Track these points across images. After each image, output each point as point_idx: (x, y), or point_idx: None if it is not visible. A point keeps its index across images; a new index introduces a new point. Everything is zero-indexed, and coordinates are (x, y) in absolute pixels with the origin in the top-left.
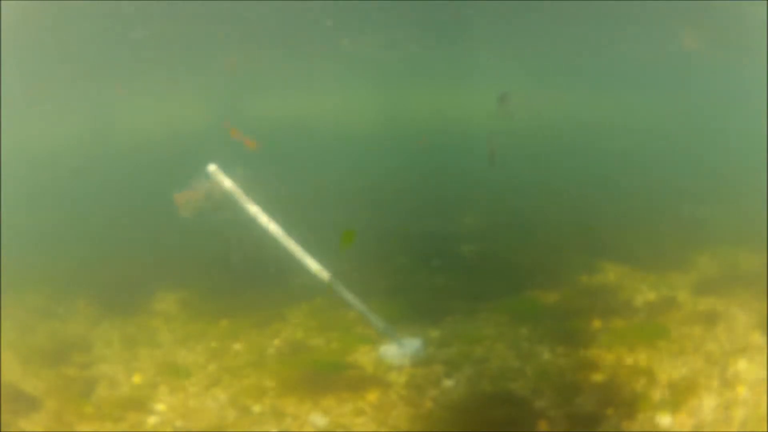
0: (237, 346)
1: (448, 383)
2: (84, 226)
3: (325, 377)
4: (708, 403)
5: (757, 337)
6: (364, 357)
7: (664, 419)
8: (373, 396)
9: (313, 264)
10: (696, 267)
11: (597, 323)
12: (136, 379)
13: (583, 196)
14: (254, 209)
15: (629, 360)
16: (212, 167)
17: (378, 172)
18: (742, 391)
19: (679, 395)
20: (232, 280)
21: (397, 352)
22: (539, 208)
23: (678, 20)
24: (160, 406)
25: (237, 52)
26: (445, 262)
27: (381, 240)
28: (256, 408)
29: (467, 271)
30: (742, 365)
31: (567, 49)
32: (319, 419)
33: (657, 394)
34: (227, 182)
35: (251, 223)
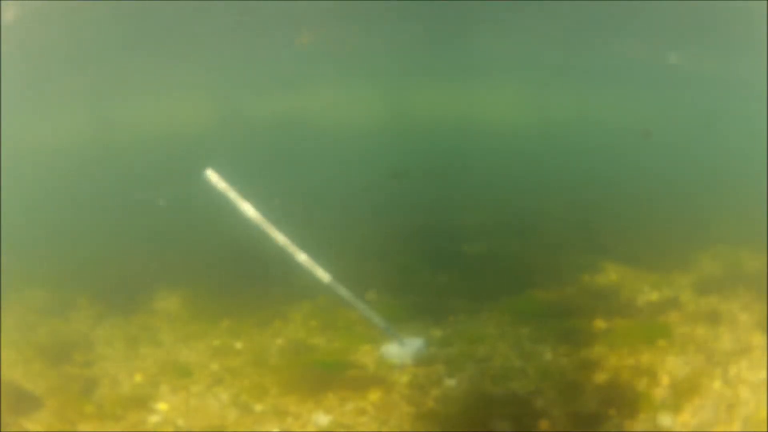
0: (239, 345)
1: (450, 383)
2: (85, 225)
3: (327, 376)
4: (710, 404)
5: (759, 338)
6: (366, 356)
7: (666, 419)
8: (375, 395)
9: (313, 266)
10: (697, 267)
11: (599, 323)
12: (138, 378)
13: (584, 196)
14: (250, 211)
15: (631, 360)
16: (209, 172)
17: (379, 170)
18: (743, 391)
19: (681, 395)
20: (234, 279)
21: (399, 351)
22: (541, 207)
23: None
24: (162, 405)
25: (235, 47)
26: (447, 261)
27: (383, 239)
28: (258, 407)
29: (469, 270)
30: (744, 365)
31: (569, 47)
32: (321, 418)
33: (659, 394)
34: (223, 185)
35: (248, 225)
